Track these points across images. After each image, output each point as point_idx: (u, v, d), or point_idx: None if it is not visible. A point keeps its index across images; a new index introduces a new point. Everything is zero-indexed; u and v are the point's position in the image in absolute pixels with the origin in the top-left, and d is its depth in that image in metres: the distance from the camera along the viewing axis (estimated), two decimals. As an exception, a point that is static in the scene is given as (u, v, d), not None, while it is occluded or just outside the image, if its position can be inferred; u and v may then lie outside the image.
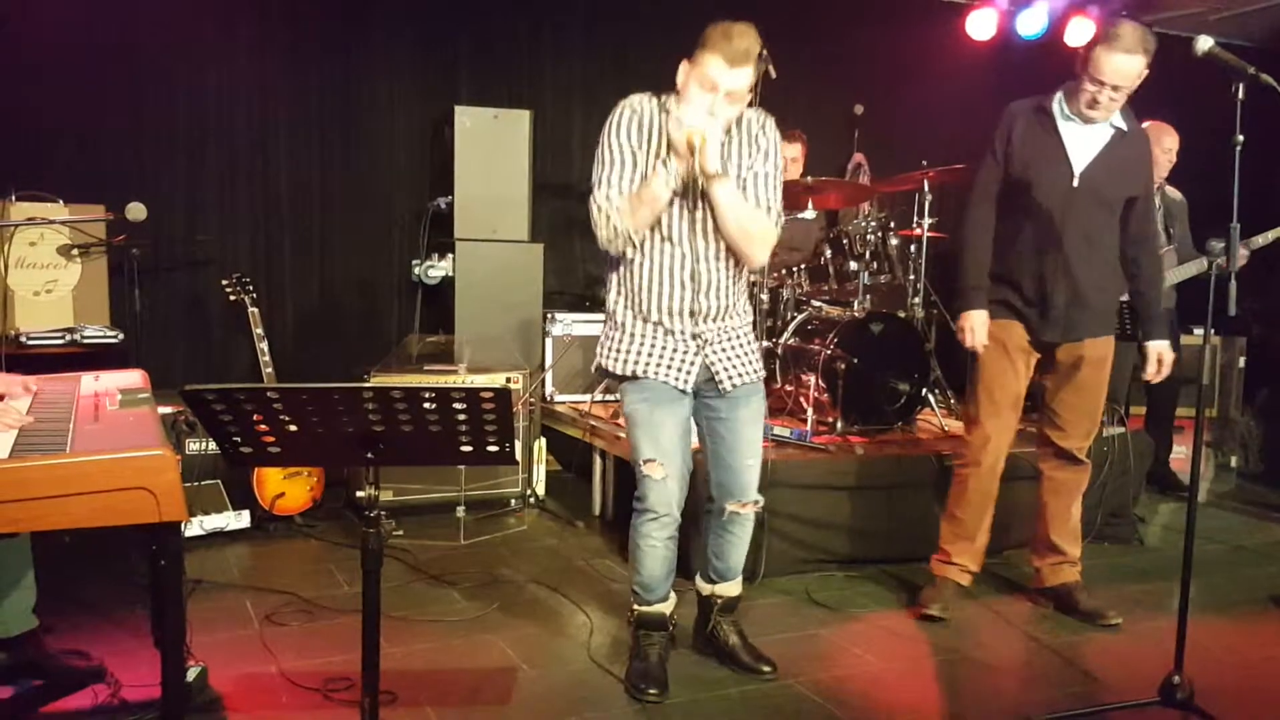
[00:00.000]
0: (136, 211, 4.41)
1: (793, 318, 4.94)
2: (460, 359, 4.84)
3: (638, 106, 2.81)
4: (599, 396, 4.97)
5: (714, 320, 2.89)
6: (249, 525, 4.29)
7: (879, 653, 3.33)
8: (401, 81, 5.57)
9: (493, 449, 2.06)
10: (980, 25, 6.47)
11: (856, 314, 4.68)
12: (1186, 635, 2.82)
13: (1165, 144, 5.09)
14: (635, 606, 3.06)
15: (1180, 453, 5.63)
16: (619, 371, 2.91)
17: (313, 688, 2.87)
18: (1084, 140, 3.39)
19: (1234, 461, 5.98)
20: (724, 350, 2.92)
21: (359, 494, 2.07)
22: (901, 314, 4.88)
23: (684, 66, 2.76)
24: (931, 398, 4.84)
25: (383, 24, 5.49)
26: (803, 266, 5.07)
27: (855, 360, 4.46)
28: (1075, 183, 3.38)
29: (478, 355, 4.95)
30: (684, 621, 3.24)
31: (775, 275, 5.00)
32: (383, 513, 2.05)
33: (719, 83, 2.66)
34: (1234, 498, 5.66)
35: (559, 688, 2.98)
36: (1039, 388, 3.68)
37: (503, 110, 5.32)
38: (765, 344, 4.74)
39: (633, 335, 2.90)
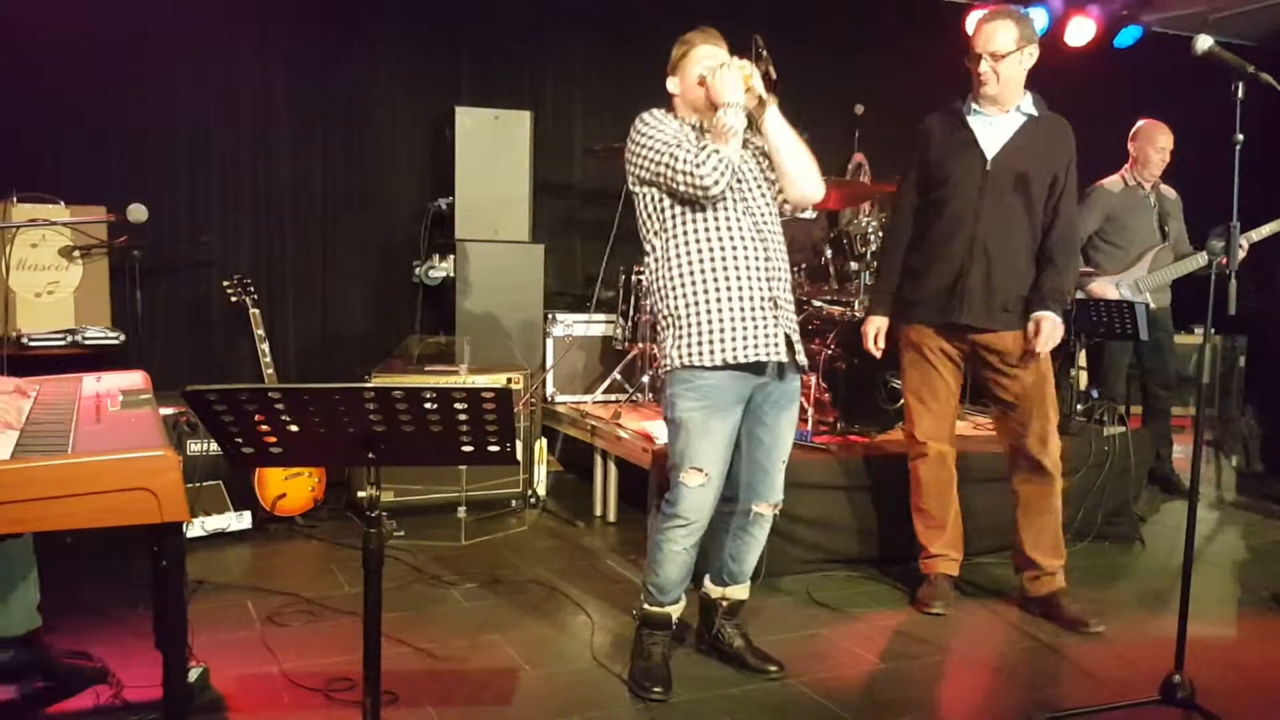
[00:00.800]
0: (138, 213, 4.41)
1: (793, 318, 4.93)
2: (461, 359, 4.84)
3: (656, 111, 2.97)
4: (599, 397, 4.98)
5: (783, 284, 2.97)
6: (250, 526, 4.29)
7: (880, 652, 3.33)
8: (402, 82, 5.57)
9: (494, 449, 2.06)
10: (980, 25, 6.46)
11: (857, 314, 4.68)
12: (1187, 634, 2.82)
13: (1160, 143, 5.11)
14: (645, 605, 3.06)
15: (1181, 452, 5.64)
16: (707, 363, 2.84)
17: (314, 688, 2.88)
18: (994, 129, 3.50)
19: (1235, 461, 5.98)
20: (793, 321, 3.00)
21: (360, 494, 2.07)
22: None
23: (674, 80, 2.99)
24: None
25: (384, 25, 5.49)
26: (803, 267, 5.08)
27: (855, 360, 4.46)
28: (988, 166, 3.45)
29: (478, 356, 4.95)
30: (686, 621, 3.25)
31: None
32: (384, 513, 2.06)
33: (716, 57, 2.90)
34: (1235, 497, 5.67)
35: (561, 688, 2.99)
36: (981, 388, 3.81)
37: (504, 111, 5.33)
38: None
39: (710, 321, 2.85)
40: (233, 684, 2.88)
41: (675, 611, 3.07)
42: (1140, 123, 5.16)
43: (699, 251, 2.87)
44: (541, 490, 4.95)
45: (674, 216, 2.90)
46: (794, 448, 4.10)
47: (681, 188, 2.81)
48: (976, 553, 4.16)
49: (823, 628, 3.52)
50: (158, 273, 5.03)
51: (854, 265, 4.83)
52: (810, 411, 4.52)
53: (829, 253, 4.95)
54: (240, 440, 1.97)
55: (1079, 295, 4.79)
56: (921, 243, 3.60)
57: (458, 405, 1.92)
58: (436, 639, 3.30)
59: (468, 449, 2.05)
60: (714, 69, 2.85)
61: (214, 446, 4.15)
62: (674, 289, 2.90)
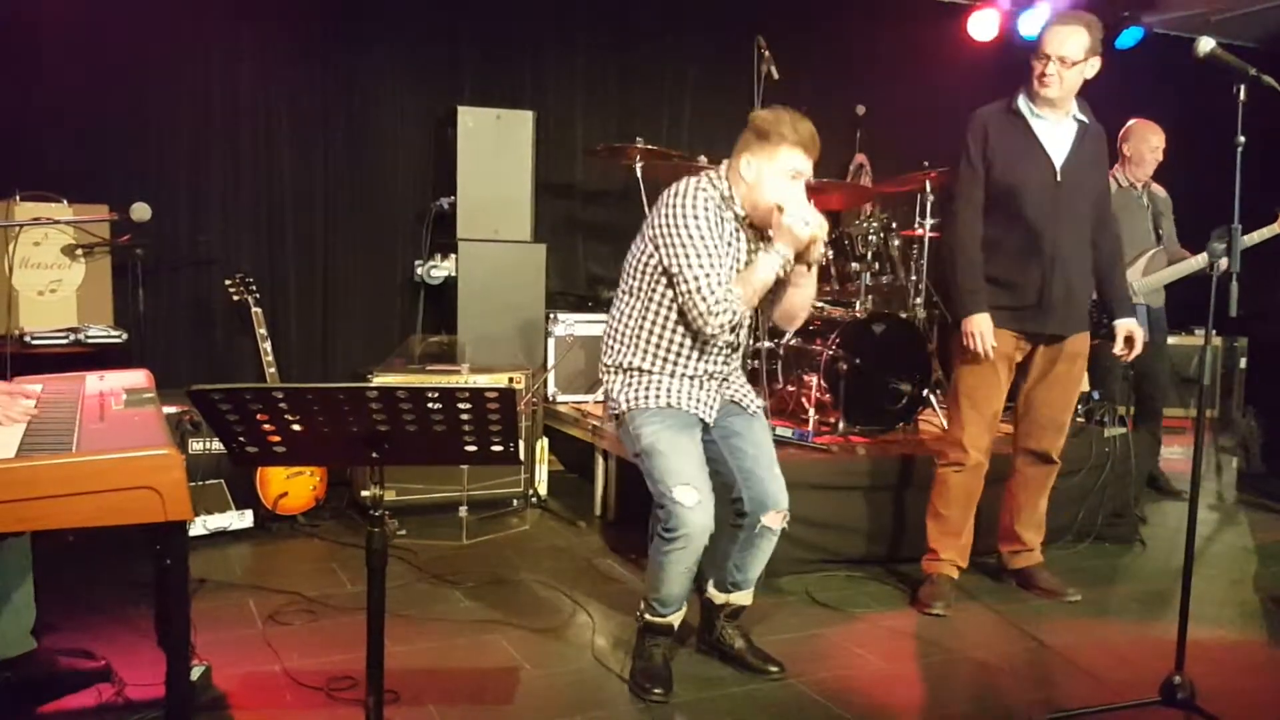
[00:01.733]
0: (141, 212, 4.41)
1: (795, 318, 4.94)
2: (463, 359, 4.85)
3: (708, 190, 2.89)
4: (601, 397, 4.97)
5: (734, 359, 3.10)
6: (252, 525, 4.30)
7: (881, 652, 3.33)
8: (404, 82, 5.58)
9: (497, 449, 2.07)
10: (982, 26, 6.48)
11: (858, 315, 4.69)
12: (1188, 635, 2.82)
13: (1152, 142, 5.11)
14: (646, 616, 3.04)
15: (1172, 453, 5.64)
16: (651, 405, 2.92)
17: (316, 687, 2.88)
18: (1056, 136, 3.51)
19: (1235, 462, 5.98)
20: (738, 384, 3.13)
21: (363, 493, 2.08)
22: (903, 315, 4.90)
23: (748, 159, 2.87)
24: (933, 398, 4.85)
25: (386, 24, 5.50)
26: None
27: (857, 361, 4.47)
28: (1059, 178, 3.48)
29: (480, 355, 4.96)
30: (688, 621, 3.24)
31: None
32: (386, 512, 2.07)
33: (803, 172, 2.86)
34: (1235, 497, 5.67)
35: (562, 687, 2.99)
36: (1014, 387, 3.76)
37: (506, 111, 5.34)
38: (767, 344, 4.75)
39: (660, 380, 2.96)
40: (235, 683, 2.89)
41: (677, 619, 3.07)
42: (1131, 122, 5.16)
43: (667, 326, 2.93)
44: (543, 490, 4.96)
45: (661, 288, 2.91)
46: (795, 448, 4.17)
47: (684, 305, 2.85)
48: (978, 553, 4.17)
49: (824, 628, 3.52)
50: (160, 271, 5.04)
51: (855, 266, 4.83)
52: (811, 412, 4.53)
53: (830, 253, 4.95)
54: (244, 439, 1.98)
55: None
56: (996, 250, 3.53)
57: (461, 405, 1.93)
58: (438, 638, 3.30)
59: (471, 449, 2.06)
60: (794, 211, 2.79)
61: (216, 445, 4.16)
62: (632, 347, 2.98)
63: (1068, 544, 4.39)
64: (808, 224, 2.77)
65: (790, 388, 4.81)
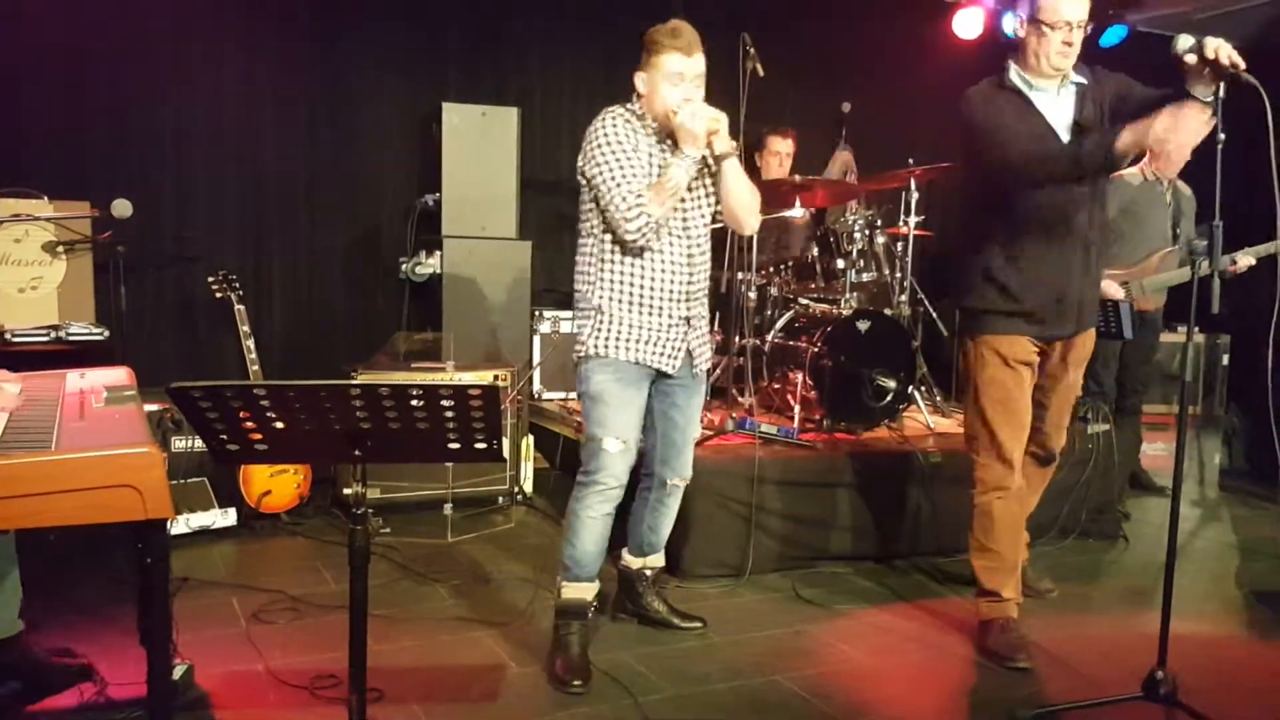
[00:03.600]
0: (122, 208, 4.39)
1: (780, 315, 4.95)
2: (448, 356, 4.83)
3: (619, 112, 3.05)
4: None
5: (697, 304, 3.16)
6: (235, 523, 4.28)
7: (866, 649, 3.34)
8: (389, 78, 5.55)
9: (480, 446, 2.06)
10: (967, 24, 6.48)
11: (843, 312, 4.69)
12: (1170, 631, 2.84)
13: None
14: (561, 584, 3.14)
15: (1154, 449, 5.67)
16: (612, 357, 3.03)
17: (300, 685, 2.87)
18: (1058, 107, 3.25)
19: (1217, 458, 6.02)
20: (700, 335, 3.20)
21: (346, 491, 2.07)
22: (888, 312, 4.91)
23: (640, 76, 3.04)
24: (918, 395, 4.86)
25: (370, 21, 5.47)
26: (790, 264, 5.08)
27: (842, 358, 4.48)
28: None
29: (465, 352, 4.95)
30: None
31: (763, 273, 5.01)
32: (370, 510, 2.06)
33: (685, 71, 2.96)
34: (1217, 494, 5.71)
35: (546, 684, 2.99)
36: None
37: (491, 107, 5.32)
38: (753, 341, 4.75)
39: (628, 324, 3.05)
40: (218, 681, 2.87)
41: (590, 593, 3.15)
42: None
43: (628, 261, 3.05)
44: (528, 487, 4.95)
45: (603, 219, 3.04)
46: (781, 445, 4.17)
47: (607, 217, 2.98)
48: (958, 551, 4.19)
49: (809, 624, 3.53)
50: (142, 269, 5.00)
51: (840, 263, 4.84)
52: (797, 409, 4.53)
53: (815, 250, 4.96)
54: (226, 437, 1.96)
55: None
56: (1007, 250, 3.27)
57: (444, 402, 1.92)
58: (422, 636, 3.29)
59: (454, 446, 2.05)
60: (684, 107, 2.92)
61: (198, 443, 4.14)
62: (600, 285, 3.07)
63: (1052, 540, 4.41)
64: (697, 116, 2.88)
65: (776, 384, 4.82)
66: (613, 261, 3.05)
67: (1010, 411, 3.35)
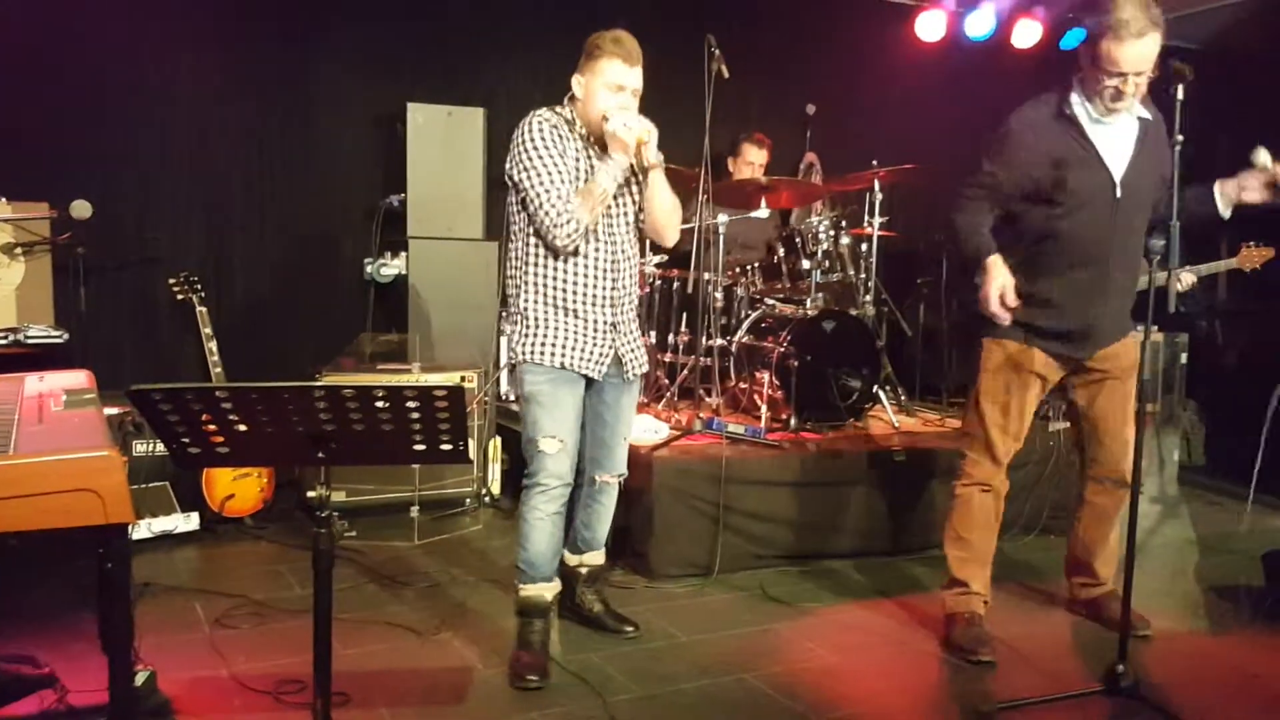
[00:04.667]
0: (81, 209, 4.34)
1: (746, 316, 4.97)
2: (414, 358, 4.81)
3: (546, 116, 3.05)
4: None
5: (624, 310, 3.17)
6: (198, 527, 4.24)
7: (833, 646, 3.36)
8: (353, 78, 5.51)
9: (446, 448, 2.05)
10: (929, 26, 6.54)
11: (809, 312, 4.72)
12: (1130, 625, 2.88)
13: None
14: (519, 586, 3.16)
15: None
16: (545, 363, 3.06)
17: (264, 690, 2.85)
18: (1116, 142, 3.14)
19: (1177, 455, 6.11)
20: (629, 341, 3.21)
21: (310, 494, 2.06)
22: (853, 312, 4.94)
23: (578, 79, 3.06)
24: (883, 394, 4.90)
25: (334, 20, 5.43)
26: (756, 265, 5.11)
27: (808, 358, 4.50)
28: (1118, 193, 3.13)
29: (432, 354, 4.93)
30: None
31: (729, 274, 5.02)
32: (334, 513, 2.05)
33: (625, 83, 2.99)
34: (1177, 490, 5.79)
35: (515, 688, 2.98)
36: (1068, 403, 3.54)
37: (456, 108, 5.30)
38: (719, 342, 4.77)
39: (553, 328, 3.07)
40: (181, 687, 2.84)
41: (549, 592, 3.17)
42: None
43: (553, 265, 3.06)
44: (496, 489, 4.94)
45: (530, 223, 3.06)
46: (748, 444, 4.19)
47: (535, 224, 3.00)
48: (921, 547, 4.24)
49: (777, 623, 3.55)
50: (103, 270, 4.94)
51: (806, 264, 4.87)
52: (764, 409, 4.56)
53: (782, 251, 4.98)
54: (187, 440, 1.94)
55: None
56: (1039, 268, 3.20)
57: (409, 404, 1.92)
58: (389, 639, 3.28)
59: (420, 448, 2.05)
60: (616, 115, 2.94)
61: (160, 447, 4.09)
62: (526, 290, 3.10)
63: (1014, 536, 4.45)
64: (629, 126, 2.91)
65: (743, 384, 4.83)
66: (537, 265, 3.07)
67: (1009, 418, 3.34)
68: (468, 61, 5.75)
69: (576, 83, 3.05)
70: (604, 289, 3.09)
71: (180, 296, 4.56)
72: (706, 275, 4.62)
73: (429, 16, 5.63)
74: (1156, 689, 2.88)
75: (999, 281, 3.12)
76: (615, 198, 3.06)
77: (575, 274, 3.05)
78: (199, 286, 4.59)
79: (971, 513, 3.42)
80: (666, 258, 5.06)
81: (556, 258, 3.04)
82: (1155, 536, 4.86)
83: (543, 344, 3.06)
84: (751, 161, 5.54)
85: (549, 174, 2.95)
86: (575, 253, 3.03)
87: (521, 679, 2.97)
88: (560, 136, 3.01)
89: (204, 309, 4.55)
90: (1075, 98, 3.16)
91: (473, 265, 5.32)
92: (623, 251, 3.12)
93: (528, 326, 3.09)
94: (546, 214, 2.94)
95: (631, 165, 3.03)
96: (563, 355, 3.06)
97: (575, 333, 3.07)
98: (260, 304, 5.42)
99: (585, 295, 3.07)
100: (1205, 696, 3.04)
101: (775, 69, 6.26)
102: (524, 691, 2.93)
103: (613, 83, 2.97)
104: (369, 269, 5.41)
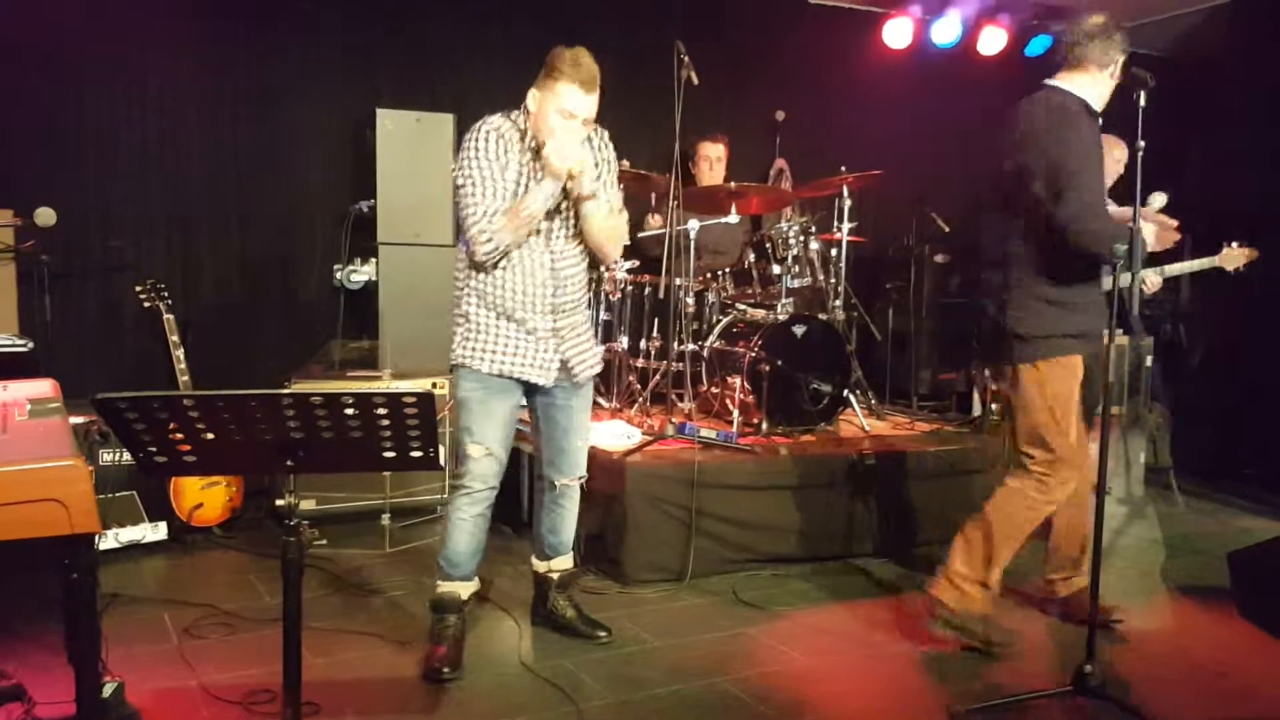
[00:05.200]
0: (45, 217, 4.29)
1: (718, 321, 4.99)
2: (384, 364, 4.79)
3: (497, 125, 3.03)
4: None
5: (568, 315, 3.15)
6: (166, 537, 4.19)
7: (805, 649, 3.38)
8: (321, 83, 5.48)
9: (416, 454, 2.05)
10: (896, 34, 6.60)
11: (780, 317, 4.74)
12: (1098, 625, 2.92)
13: (1115, 155, 5.24)
14: (437, 583, 3.21)
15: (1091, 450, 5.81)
16: (482, 370, 3.07)
17: (233, 700, 2.83)
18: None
19: (1143, 457, 6.17)
20: (575, 345, 3.19)
21: (278, 502, 2.04)
22: (823, 317, 4.97)
23: (534, 93, 3.02)
24: (853, 398, 4.93)
25: (302, 25, 5.41)
26: (727, 270, 5.13)
27: (779, 362, 4.52)
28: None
29: (402, 360, 4.90)
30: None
31: (700, 279, 5.04)
32: (303, 521, 2.04)
33: (577, 110, 2.94)
34: (1143, 492, 5.85)
35: (487, 693, 2.98)
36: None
37: (425, 113, 5.27)
38: (691, 347, 4.78)
39: (495, 334, 3.09)
40: (149, 698, 2.81)
41: (465, 591, 3.22)
42: None
43: (495, 274, 3.07)
44: (467, 496, 4.91)
45: None
46: (720, 449, 4.20)
47: (465, 235, 3.02)
48: (918, 544, 4.27)
49: (749, 627, 3.56)
50: (68, 278, 4.89)
51: (776, 269, 4.89)
52: (735, 413, 4.57)
53: (752, 257, 5.00)
54: (153, 449, 1.93)
55: None
56: (1065, 270, 3.21)
57: (379, 410, 1.91)
58: (360, 648, 3.26)
59: (389, 455, 2.04)
60: (552, 140, 2.90)
61: (127, 456, 4.05)
62: (469, 294, 3.12)
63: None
64: (564, 158, 2.87)
65: (714, 389, 4.85)
66: (479, 270, 3.08)
67: (1077, 424, 3.33)
68: (437, 67, 5.74)
69: (531, 97, 3.02)
70: (543, 296, 3.08)
71: (147, 304, 4.51)
72: (678, 281, 4.63)
73: (398, 22, 5.61)
74: (1125, 688, 2.91)
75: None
76: (558, 209, 3.05)
77: (516, 281, 3.05)
78: (165, 294, 4.54)
79: (1027, 524, 3.34)
80: (638, 263, 5.08)
81: (498, 265, 3.04)
82: (1122, 537, 4.92)
83: (481, 349, 3.08)
84: (708, 157, 5.57)
85: (483, 187, 2.96)
86: (511, 261, 3.03)
87: (436, 672, 3.02)
88: (505, 149, 3.01)
89: (171, 316, 4.50)
90: (1088, 99, 3.21)
91: (443, 271, 5.24)
92: (565, 259, 3.11)
93: (469, 330, 3.11)
94: (470, 227, 2.97)
95: (566, 190, 2.99)
96: (501, 362, 3.07)
97: (516, 339, 3.08)
98: (228, 311, 5.37)
99: (526, 302, 3.07)
100: (1173, 694, 3.08)
101: (744, 76, 6.29)
102: (436, 684, 3.00)
103: (565, 108, 2.94)
104: (338, 275, 5.38)
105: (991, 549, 3.32)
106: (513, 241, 2.96)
